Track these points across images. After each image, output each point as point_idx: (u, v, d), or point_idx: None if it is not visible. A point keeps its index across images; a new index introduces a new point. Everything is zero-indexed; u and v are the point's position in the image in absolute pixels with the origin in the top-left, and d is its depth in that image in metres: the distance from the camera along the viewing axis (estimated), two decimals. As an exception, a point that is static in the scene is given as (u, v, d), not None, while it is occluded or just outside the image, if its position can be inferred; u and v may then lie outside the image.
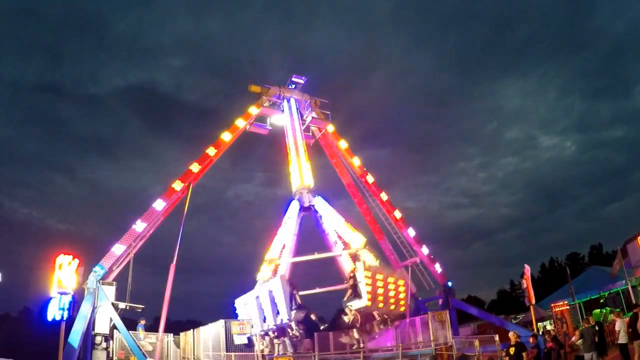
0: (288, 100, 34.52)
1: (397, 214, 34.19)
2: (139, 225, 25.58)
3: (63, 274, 19.79)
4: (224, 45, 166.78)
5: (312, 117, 34.95)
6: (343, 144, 35.47)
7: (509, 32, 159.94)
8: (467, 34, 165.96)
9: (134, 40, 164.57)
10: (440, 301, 32.33)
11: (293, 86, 35.14)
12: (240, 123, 31.79)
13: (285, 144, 32.92)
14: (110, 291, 23.62)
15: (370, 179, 34.85)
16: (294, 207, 29.19)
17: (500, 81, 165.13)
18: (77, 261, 20.59)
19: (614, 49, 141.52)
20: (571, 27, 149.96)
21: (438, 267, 33.25)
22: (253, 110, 32.78)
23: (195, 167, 28.86)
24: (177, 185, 27.74)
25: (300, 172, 30.89)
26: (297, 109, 34.47)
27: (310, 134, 36.38)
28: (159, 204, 26.73)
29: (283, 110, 34.14)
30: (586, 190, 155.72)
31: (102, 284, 23.23)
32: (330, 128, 35.52)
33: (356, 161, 35.19)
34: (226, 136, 30.84)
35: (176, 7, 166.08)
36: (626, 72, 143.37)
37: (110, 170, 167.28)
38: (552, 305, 26.09)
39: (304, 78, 35.05)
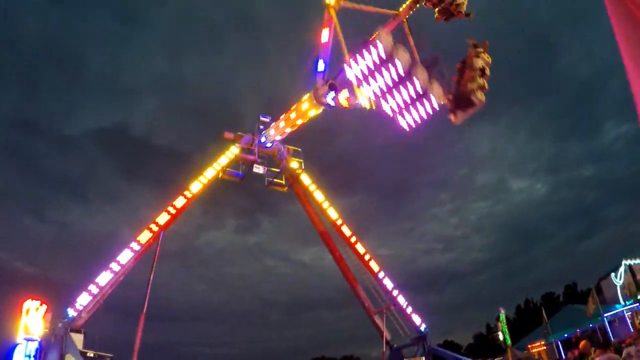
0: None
1: (373, 264, 34.34)
2: (113, 267, 25.21)
3: (30, 320, 19.21)
4: (198, 88, 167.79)
5: (284, 166, 35.19)
6: (315, 192, 35.75)
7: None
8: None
9: (109, 80, 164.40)
10: (416, 347, 32.05)
11: (262, 127, 34.94)
12: (213, 170, 31.87)
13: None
14: (78, 338, 22.90)
15: (345, 229, 35.05)
16: None
17: (471, 126, 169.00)
18: (44, 307, 20.04)
19: (581, 90, 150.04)
20: (539, 70, 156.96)
21: (412, 313, 33.14)
22: (226, 157, 32.81)
23: (165, 215, 28.71)
24: (148, 233, 27.55)
25: None
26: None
27: (284, 181, 36.56)
28: (132, 248, 26.42)
29: (257, 158, 34.07)
30: (558, 229, 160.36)
31: (70, 331, 22.57)
32: (303, 176, 35.78)
33: (328, 209, 35.42)
34: (199, 183, 30.84)
35: (153, 48, 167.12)
36: (593, 112, 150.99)
37: (81, 213, 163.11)
38: (529, 345, 26.16)
39: (269, 118, 35.07)
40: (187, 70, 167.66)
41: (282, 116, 31.85)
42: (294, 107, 30.08)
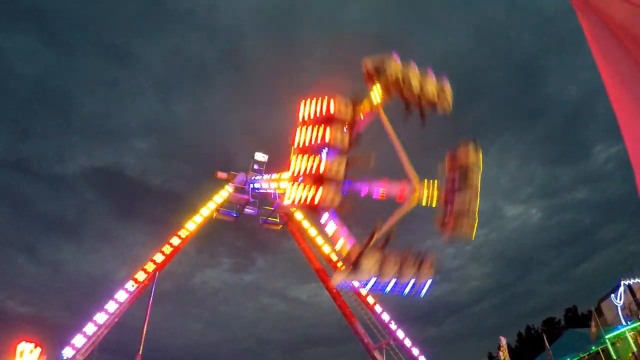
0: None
1: (370, 299, 34.15)
2: (108, 308, 25.04)
3: (24, 362, 18.95)
4: (190, 128, 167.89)
5: (278, 204, 35.21)
6: (309, 229, 35.73)
7: (467, 108, 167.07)
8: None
9: (101, 121, 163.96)
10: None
11: (256, 166, 35.16)
12: (207, 210, 31.87)
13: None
14: (73, 382, 22.57)
15: (340, 265, 34.82)
16: None
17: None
18: (39, 349, 19.81)
19: (569, 113, 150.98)
20: (526, 97, 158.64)
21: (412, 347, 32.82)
22: (220, 197, 32.89)
23: (160, 256, 28.62)
24: (143, 274, 27.40)
25: None
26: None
27: (278, 220, 36.57)
28: (127, 289, 26.21)
29: (250, 197, 34.20)
30: (555, 254, 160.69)
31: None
32: (298, 214, 35.80)
33: (323, 245, 35.34)
34: (193, 223, 30.83)
35: (144, 88, 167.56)
36: (583, 135, 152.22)
37: (74, 253, 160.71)
38: (531, 372, 25.84)
39: (266, 156, 35.18)
40: (179, 109, 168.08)
41: (272, 175, 31.40)
42: (277, 176, 29.94)
